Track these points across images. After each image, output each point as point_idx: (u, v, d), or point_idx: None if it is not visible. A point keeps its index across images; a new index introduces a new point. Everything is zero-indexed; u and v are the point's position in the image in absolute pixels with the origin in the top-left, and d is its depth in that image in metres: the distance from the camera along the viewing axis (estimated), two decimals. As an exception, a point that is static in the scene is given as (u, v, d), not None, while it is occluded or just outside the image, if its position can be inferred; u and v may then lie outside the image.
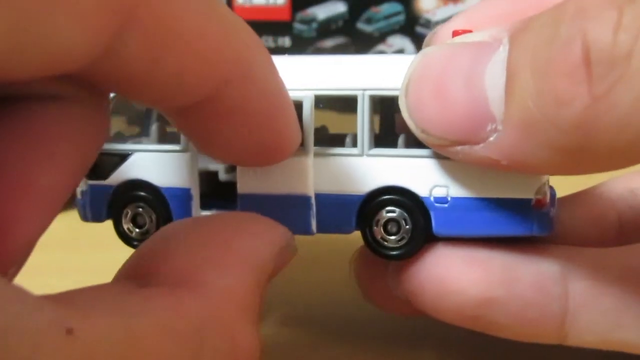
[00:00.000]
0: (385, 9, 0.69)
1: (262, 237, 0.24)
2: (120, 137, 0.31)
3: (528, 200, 0.28)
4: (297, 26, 0.68)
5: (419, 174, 0.28)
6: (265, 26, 0.66)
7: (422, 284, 0.28)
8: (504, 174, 0.27)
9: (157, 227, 0.30)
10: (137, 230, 0.30)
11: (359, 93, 0.28)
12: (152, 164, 0.29)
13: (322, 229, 0.29)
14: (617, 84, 0.21)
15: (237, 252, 0.23)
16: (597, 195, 0.33)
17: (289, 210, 0.28)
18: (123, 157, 0.30)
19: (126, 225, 0.30)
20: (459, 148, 0.25)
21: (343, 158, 0.29)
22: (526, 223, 0.28)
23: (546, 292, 0.28)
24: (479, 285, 0.27)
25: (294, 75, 0.28)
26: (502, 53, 0.24)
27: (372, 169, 0.28)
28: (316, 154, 0.28)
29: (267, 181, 0.28)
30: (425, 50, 0.26)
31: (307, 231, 0.29)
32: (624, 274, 0.28)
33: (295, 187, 0.28)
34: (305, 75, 0.28)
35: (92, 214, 0.30)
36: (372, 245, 0.29)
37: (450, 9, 0.69)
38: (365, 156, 0.28)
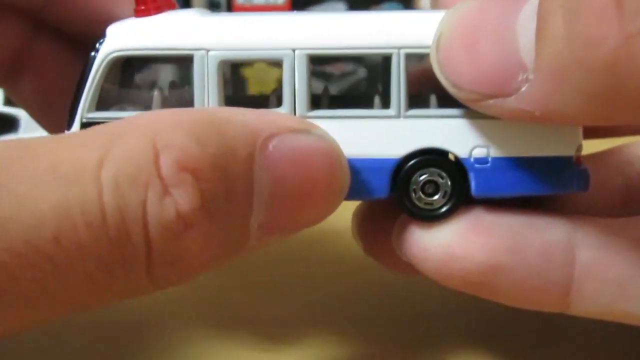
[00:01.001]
0: (384, 8, 0.67)
1: None
2: (122, 108, 0.28)
3: (569, 158, 0.27)
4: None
5: (458, 135, 0.27)
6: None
7: (427, 247, 0.27)
8: (544, 133, 0.27)
9: None
10: None
11: (394, 51, 0.26)
12: None
13: (353, 195, 0.27)
14: None
15: None
16: (604, 160, 0.33)
17: None
18: None
19: None
20: (491, 102, 0.25)
21: (376, 120, 0.27)
22: (566, 180, 0.27)
23: (552, 260, 0.27)
24: (485, 251, 0.27)
25: (317, 31, 0.26)
26: (533, 1, 0.23)
27: (408, 130, 0.27)
28: (344, 117, 0.27)
29: None
30: (456, 6, 0.25)
31: None
32: (632, 244, 0.27)
33: None
34: (333, 32, 0.27)
35: None
36: (410, 209, 0.27)
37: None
38: (402, 118, 0.27)
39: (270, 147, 0.23)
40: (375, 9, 0.67)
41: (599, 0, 0.21)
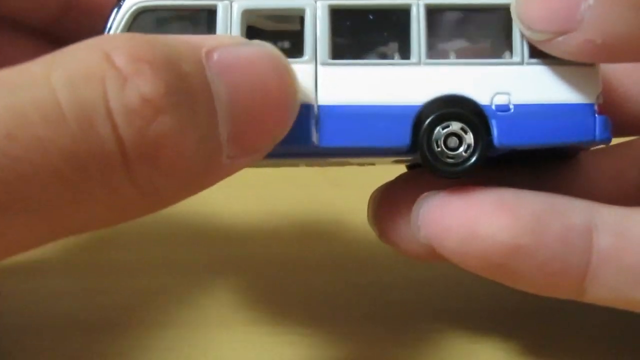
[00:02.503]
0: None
1: None
2: None
3: (591, 105, 0.27)
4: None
5: (479, 81, 0.27)
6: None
7: (449, 227, 0.27)
8: (565, 79, 0.27)
9: None
10: None
11: (413, 3, 0.27)
12: None
13: (375, 141, 0.27)
14: None
15: None
16: (620, 152, 0.32)
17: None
18: None
19: None
20: (560, 39, 0.25)
21: (397, 67, 0.27)
22: (589, 128, 0.27)
23: (571, 245, 0.27)
24: (509, 231, 0.26)
25: None
26: None
27: (429, 78, 0.27)
28: (366, 65, 0.27)
29: None
30: None
31: (308, 141, 0.27)
32: None
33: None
34: None
35: None
36: (433, 164, 0.27)
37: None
38: (422, 65, 0.27)
39: (215, 56, 0.23)
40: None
41: None
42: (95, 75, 0.21)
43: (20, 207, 0.20)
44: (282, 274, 0.37)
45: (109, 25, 0.27)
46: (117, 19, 0.27)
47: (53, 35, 0.34)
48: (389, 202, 0.30)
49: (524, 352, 0.32)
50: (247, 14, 0.27)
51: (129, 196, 0.22)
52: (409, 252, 0.30)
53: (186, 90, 0.22)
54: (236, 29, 0.27)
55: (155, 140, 0.21)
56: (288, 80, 0.25)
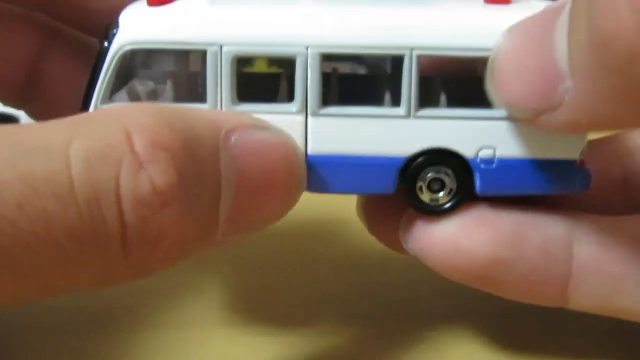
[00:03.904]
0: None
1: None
2: (135, 99, 0.28)
3: (573, 161, 0.28)
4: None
5: (465, 135, 0.27)
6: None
7: (433, 242, 0.28)
8: (550, 136, 0.27)
9: None
10: None
11: (406, 52, 0.27)
12: None
13: (360, 189, 0.28)
14: None
15: None
16: (602, 148, 0.33)
17: None
18: None
19: None
20: (543, 117, 0.25)
21: (386, 119, 0.27)
22: (569, 182, 0.28)
23: (552, 255, 0.28)
24: (488, 245, 0.28)
25: (330, 28, 0.26)
26: (567, 8, 0.23)
27: (417, 130, 0.27)
28: (353, 115, 0.27)
29: None
30: (510, 27, 0.26)
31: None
32: (629, 242, 0.28)
33: None
34: (346, 30, 0.27)
35: None
36: (416, 204, 0.28)
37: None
38: (412, 118, 0.27)
39: (233, 139, 0.24)
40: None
41: None
42: (112, 156, 0.21)
43: (9, 269, 0.21)
44: (282, 273, 0.38)
45: (99, 63, 0.27)
46: (108, 59, 0.27)
47: (40, 16, 0.33)
48: (377, 202, 0.31)
49: (524, 352, 0.32)
50: (237, 59, 0.27)
51: (120, 270, 0.23)
52: (398, 248, 0.31)
53: (197, 177, 0.23)
54: (226, 75, 0.27)
55: (157, 230, 0.22)
56: (296, 169, 0.26)
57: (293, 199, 0.26)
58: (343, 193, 0.28)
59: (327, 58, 0.27)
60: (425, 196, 0.28)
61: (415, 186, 0.28)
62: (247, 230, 0.25)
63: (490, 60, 0.26)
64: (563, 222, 0.29)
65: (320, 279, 0.37)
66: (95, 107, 0.27)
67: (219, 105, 0.27)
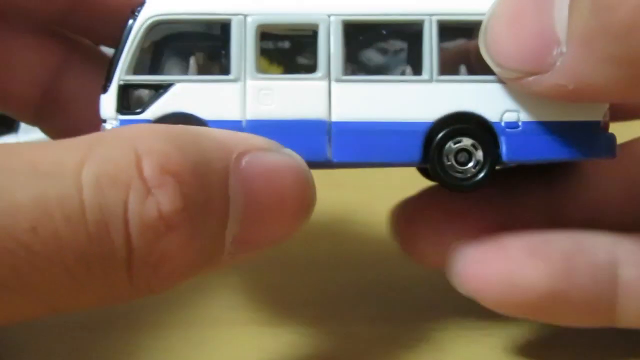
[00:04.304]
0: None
1: None
2: (159, 72, 0.28)
3: (597, 123, 0.28)
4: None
5: (489, 99, 0.27)
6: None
7: (489, 281, 0.29)
8: None
9: None
10: None
11: (426, 18, 0.27)
12: (199, 95, 0.27)
13: (386, 158, 0.27)
14: None
15: None
16: (630, 159, 0.33)
17: (302, 135, 0.27)
18: (161, 88, 0.27)
19: None
20: (531, 79, 0.25)
21: (409, 84, 0.27)
22: (594, 146, 0.28)
23: (600, 280, 0.28)
24: (544, 279, 0.28)
25: None
26: None
27: (440, 95, 0.27)
28: (379, 81, 0.27)
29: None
30: None
31: (322, 157, 0.27)
32: None
33: (310, 112, 0.27)
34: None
35: None
36: (443, 178, 0.28)
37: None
38: (434, 82, 0.27)
39: (244, 162, 0.24)
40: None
41: None
42: (122, 180, 0.21)
43: (20, 290, 0.21)
44: (282, 273, 0.37)
45: (124, 38, 0.27)
46: (133, 32, 0.27)
47: (59, 30, 0.34)
48: (411, 220, 0.31)
49: (524, 352, 0.32)
50: (261, 28, 0.27)
51: (123, 291, 0.23)
52: (432, 264, 0.31)
53: (204, 202, 0.23)
54: (250, 45, 0.27)
55: (162, 253, 0.22)
56: (306, 194, 0.25)
57: (302, 221, 0.25)
58: (368, 163, 0.28)
59: (350, 27, 0.27)
60: (454, 169, 0.28)
61: (443, 161, 0.27)
62: (254, 251, 0.25)
63: (485, 19, 0.26)
64: (606, 244, 0.29)
65: (320, 279, 0.37)
66: (119, 79, 0.27)
67: (243, 75, 0.27)
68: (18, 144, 0.22)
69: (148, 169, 0.22)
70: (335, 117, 0.27)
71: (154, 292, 0.23)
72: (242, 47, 0.27)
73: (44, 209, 0.20)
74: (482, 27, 0.26)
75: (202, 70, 0.28)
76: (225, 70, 0.27)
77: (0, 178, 0.21)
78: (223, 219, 0.23)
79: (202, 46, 0.28)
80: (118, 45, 0.28)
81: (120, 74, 0.27)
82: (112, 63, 0.27)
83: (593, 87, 0.24)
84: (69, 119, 0.34)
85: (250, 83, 0.27)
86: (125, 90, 0.27)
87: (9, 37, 0.32)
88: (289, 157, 0.25)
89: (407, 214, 0.31)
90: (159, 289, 0.23)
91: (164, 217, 0.22)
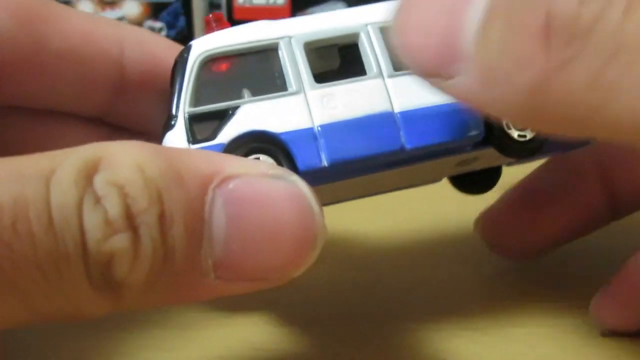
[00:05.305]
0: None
1: None
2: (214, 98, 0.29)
3: None
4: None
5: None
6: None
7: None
8: None
9: None
10: None
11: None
12: (265, 112, 0.28)
13: (450, 137, 0.29)
14: (572, 60, 0.20)
15: None
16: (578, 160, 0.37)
17: (374, 128, 0.28)
18: (228, 113, 0.28)
19: None
20: (433, 79, 0.24)
21: None
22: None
23: None
24: None
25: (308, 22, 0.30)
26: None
27: None
28: None
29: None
30: None
31: (396, 144, 0.29)
32: None
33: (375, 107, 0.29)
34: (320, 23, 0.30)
35: None
36: (511, 148, 0.30)
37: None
38: None
39: (231, 185, 0.24)
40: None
41: (533, 24, 0.21)
42: (80, 186, 0.23)
43: (5, 290, 0.22)
44: None
45: (176, 78, 0.28)
46: (188, 68, 0.28)
47: (108, 119, 0.34)
48: (499, 223, 0.36)
49: (524, 352, 0.32)
50: (308, 45, 0.29)
51: (88, 298, 0.23)
52: (519, 258, 0.36)
53: (159, 214, 0.23)
54: (301, 58, 0.29)
55: (110, 256, 0.22)
56: (310, 226, 0.24)
57: (307, 253, 0.24)
58: (440, 142, 0.29)
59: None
60: (514, 133, 0.29)
61: (502, 126, 0.29)
62: (247, 280, 0.24)
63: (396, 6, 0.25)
64: None
65: (320, 278, 0.37)
66: (184, 112, 0.27)
67: (302, 87, 0.28)
68: (14, 158, 0.23)
69: (97, 181, 0.23)
70: (397, 108, 0.29)
71: (121, 302, 0.23)
72: (294, 64, 0.29)
73: (22, 207, 0.22)
74: (394, 12, 0.24)
75: (257, 92, 0.29)
76: (282, 86, 0.29)
77: None
78: (193, 237, 0.23)
79: (252, 72, 0.29)
80: (171, 87, 0.28)
81: (185, 107, 0.28)
82: (169, 103, 0.28)
83: (492, 112, 0.24)
84: None
85: (310, 93, 0.28)
86: (193, 121, 0.28)
87: (59, 127, 0.34)
88: (291, 184, 0.24)
89: (493, 217, 0.36)
90: (125, 302, 0.23)
91: (108, 221, 0.22)
